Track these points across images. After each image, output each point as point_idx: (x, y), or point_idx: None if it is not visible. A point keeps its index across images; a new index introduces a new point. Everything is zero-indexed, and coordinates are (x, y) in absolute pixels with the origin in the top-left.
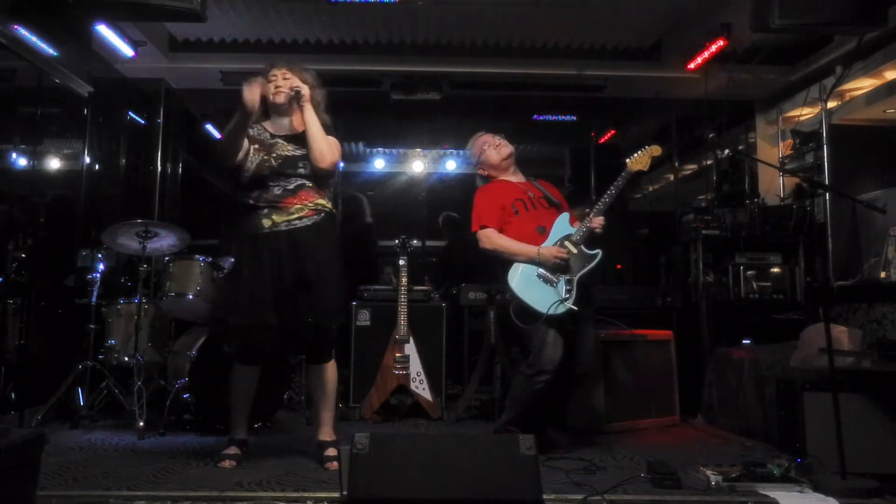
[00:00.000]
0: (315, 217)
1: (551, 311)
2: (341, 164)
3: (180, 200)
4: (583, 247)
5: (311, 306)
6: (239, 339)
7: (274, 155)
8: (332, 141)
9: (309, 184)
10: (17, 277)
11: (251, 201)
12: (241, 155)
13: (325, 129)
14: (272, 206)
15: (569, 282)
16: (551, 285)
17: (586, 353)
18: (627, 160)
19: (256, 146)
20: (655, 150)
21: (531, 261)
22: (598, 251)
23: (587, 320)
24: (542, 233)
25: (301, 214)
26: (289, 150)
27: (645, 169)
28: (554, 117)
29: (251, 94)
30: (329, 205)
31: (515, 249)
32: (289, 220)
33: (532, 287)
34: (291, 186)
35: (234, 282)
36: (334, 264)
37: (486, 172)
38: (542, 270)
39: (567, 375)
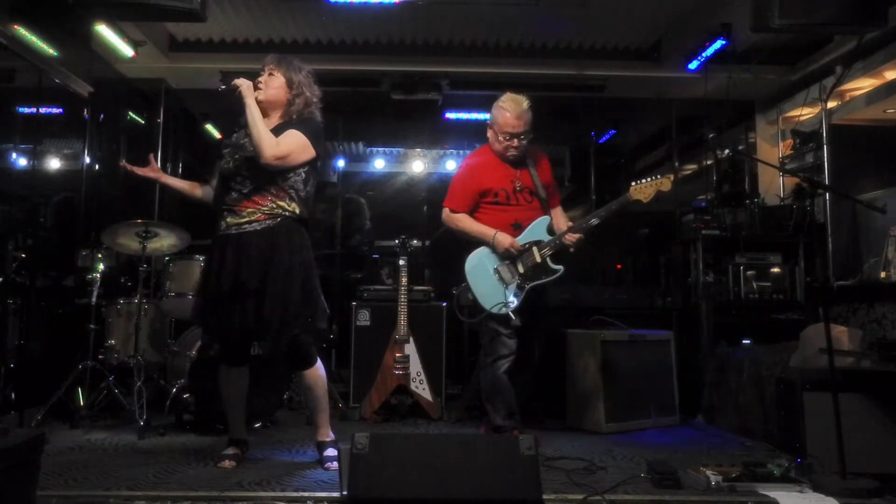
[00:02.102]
0: (269, 221)
1: (494, 311)
2: (340, 165)
3: (180, 200)
4: (548, 259)
5: (253, 315)
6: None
7: (235, 157)
8: (291, 138)
9: (264, 187)
10: (17, 277)
11: (219, 203)
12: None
13: (303, 124)
14: (229, 209)
15: (520, 287)
16: (503, 285)
17: (534, 342)
18: (633, 184)
19: (228, 149)
20: (665, 184)
21: (485, 243)
22: (561, 268)
23: (540, 316)
24: (517, 229)
25: (252, 218)
26: (248, 151)
27: (645, 201)
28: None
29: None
30: (293, 207)
31: (474, 230)
32: (239, 224)
33: (484, 280)
34: (246, 189)
35: (199, 282)
36: (291, 271)
37: (491, 134)
38: (499, 267)
39: (523, 363)
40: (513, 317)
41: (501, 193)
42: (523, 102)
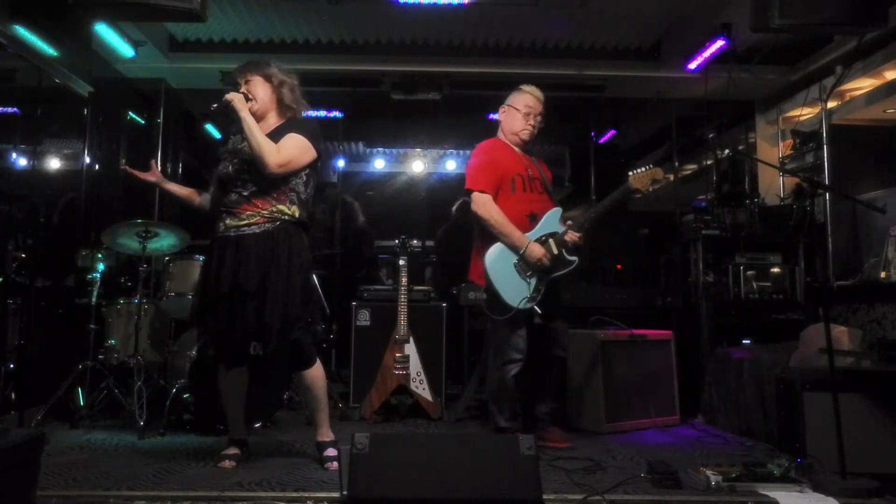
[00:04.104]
0: (268, 225)
1: (520, 306)
2: (340, 165)
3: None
4: (564, 250)
5: (253, 317)
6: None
7: (234, 161)
8: (290, 142)
9: (265, 190)
10: (17, 277)
11: (217, 206)
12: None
13: (300, 126)
14: (228, 211)
15: (540, 281)
16: (524, 279)
17: (561, 338)
18: (630, 174)
19: (225, 154)
20: (657, 172)
21: (515, 249)
22: (576, 259)
23: (556, 311)
24: (533, 220)
25: (251, 221)
26: (247, 155)
27: (643, 189)
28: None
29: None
30: (292, 211)
31: (507, 231)
32: (238, 227)
33: (506, 275)
34: (246, 192)
35: (197, 283)
36: (292, 274)
37: (506, 118)
38: (519, 261)
39: (545, 360)
40: (538, 310)
41: (518, 180)
42: (539, 91)
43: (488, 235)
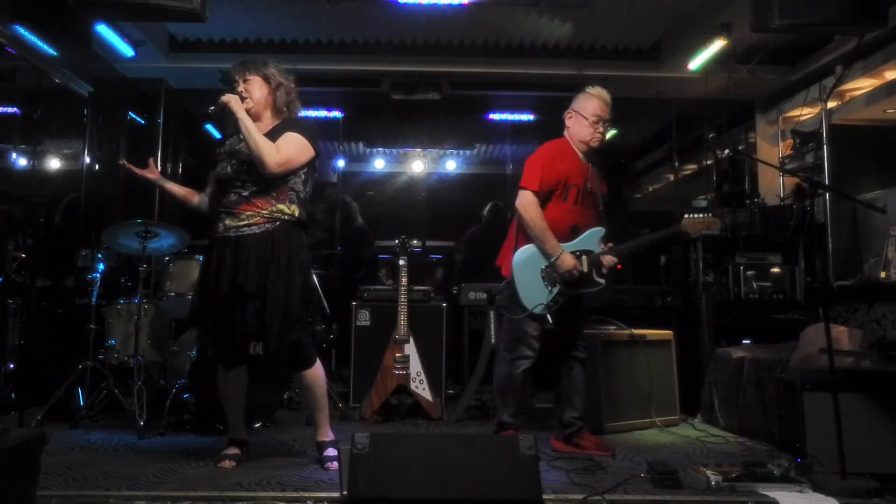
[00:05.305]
0: (268, 225)
1: (534, 310)
2: (340, 165)
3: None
4: (594, 271)
5: (253, 318)
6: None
7: (232, 161)
8: (289, 141)
9: (264, 190)
10: (17, 277)
11: (216, 206)
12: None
13: (298, 125)
14: (227, 212)
15: (561, 294)
16: (546, 286)
17: (578, 340)
18: (686, 216)
19: (223, 155)
20: (715, 223)
21: (547, 256)
22: (603, 282)
23: (575, 321)
24: (574, 233)
25: (251, 221)
26: (245, 155)
27: (692, 236)
28: (511, 115)
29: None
30: (292, 210)
31: (543, 236)
32: (237, 227)
33: (530, 276)
34: (246, 193)
35: (197, 283)
36: (292, 275)
37: (574, 122)
38: (546, 268)
39: (564, 363)
40: (550, 319)
41: (573, 190)
42: (607, 93)
43: (527, 233)
